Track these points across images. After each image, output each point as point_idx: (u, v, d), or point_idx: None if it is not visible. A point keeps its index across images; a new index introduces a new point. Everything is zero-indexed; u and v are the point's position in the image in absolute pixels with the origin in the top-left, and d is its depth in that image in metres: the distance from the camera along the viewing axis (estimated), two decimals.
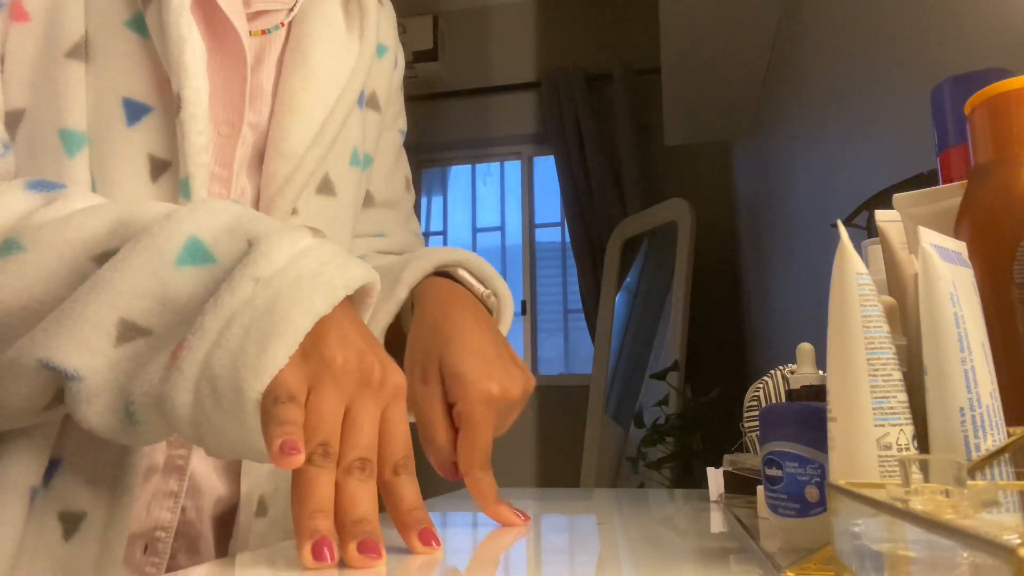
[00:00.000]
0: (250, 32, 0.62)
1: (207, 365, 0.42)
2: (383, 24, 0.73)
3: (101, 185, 0.53)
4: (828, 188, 1.78)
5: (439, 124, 3.88)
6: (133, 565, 0.57)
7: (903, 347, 0.42)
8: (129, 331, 0.44)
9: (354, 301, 0.50)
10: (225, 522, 0.62)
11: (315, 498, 0.41)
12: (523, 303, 3.78)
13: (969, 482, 0.29)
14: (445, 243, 3.95)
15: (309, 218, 0.63)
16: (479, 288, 0.65)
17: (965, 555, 0.24)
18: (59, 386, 0.46)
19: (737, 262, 3.45)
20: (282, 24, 0.64)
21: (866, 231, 0.96)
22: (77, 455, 0.52)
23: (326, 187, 0.65)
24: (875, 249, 0.56)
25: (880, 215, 0.50)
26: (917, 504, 0.28)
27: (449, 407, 0.56)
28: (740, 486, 0.71)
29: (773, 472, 0.46)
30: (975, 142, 0.48)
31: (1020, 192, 0.44)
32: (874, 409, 0.36)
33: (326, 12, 0.66)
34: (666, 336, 3.07)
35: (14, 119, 0.53)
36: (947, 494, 0.28)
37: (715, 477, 0.78)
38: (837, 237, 0.38)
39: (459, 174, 4.04)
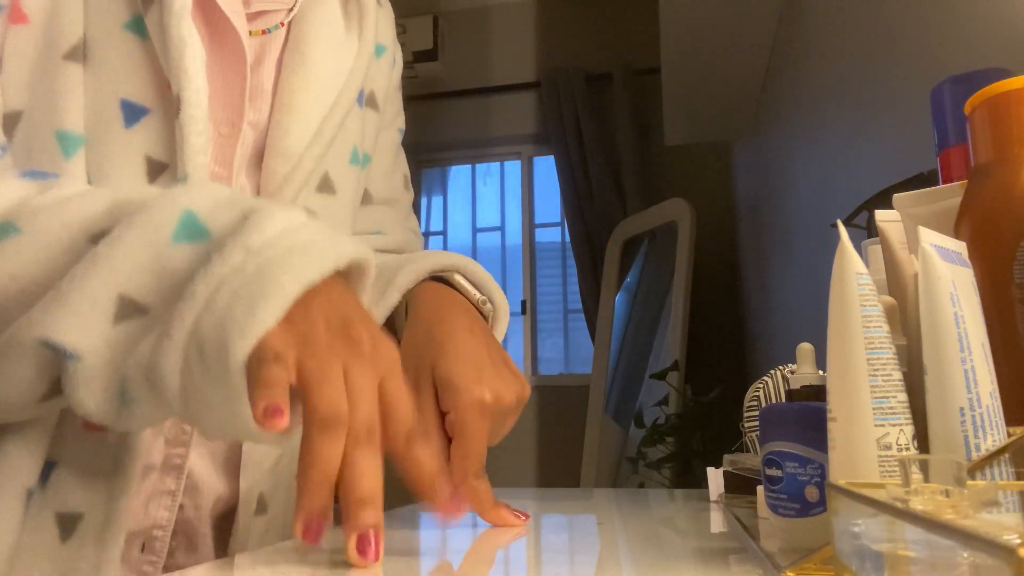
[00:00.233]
0: (250, 32, 0.62)
1: (196, 329, 0.42)
2: (382, 24, 0.74)
3: (98, 187, 0.53)
4: (828, 188, 1.78)
5: (439, 124, 3.88)
6: (130, 564, 0.57)
7: (903, 347, 0.42)
8: (127, 308, 0.44)
9: (350, 282, 0.50)
10: (224, 521, 0.62)
11: (317, 468, 0.40)
12: (523, 303, 3.78)
13: (969, 482, 0.29)
14: (445, 243, 3.95)
15: None
16: (474, 294, 0.65)
17: (965, 555, 0.24)
18: (56, 374, 0.45)
19: (737, 262, 3.45)
20: (282, 24, 0.64)
21: (866, 231, 0.96)
22: (73, 456, 0.52)
23: (326, 185, 0.65)
24: (875, 249, 0.56)
25: (880, 215, 0.50)
26: (917, 504, 0.28)
27: (442, 415, 0.56)
28: (740, 486, 0.71)
29: (773, 472, 0.46)
30: (975, 142, 0.48)
31: (1020, 192, 0.44)
32: (874, 409, 0.36)
33: (325, 12, 0.66)
34: (666, 336, 3.07)
35: (11, 121, 0.53)
36: (947, 494, 0.28)
37: (715, 477, 0.78)
38: (837, 237, 0.38)
39: (459, 174, 4.04)
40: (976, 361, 0.36)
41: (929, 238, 0.38)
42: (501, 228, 3.94)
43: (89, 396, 0.44)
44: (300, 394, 0.42)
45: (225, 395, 0.42)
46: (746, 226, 3.25)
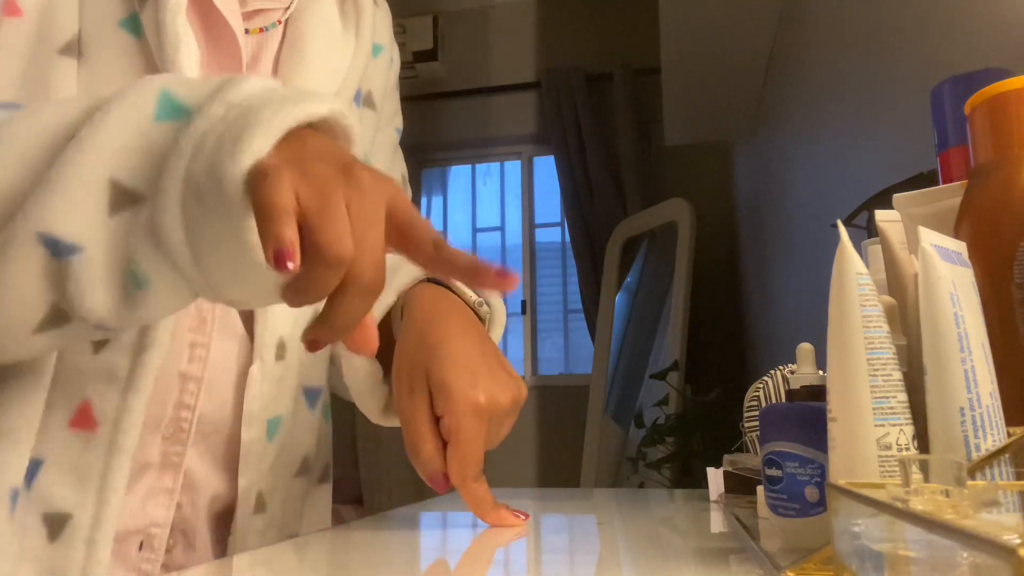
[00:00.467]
0: (247, 30, 0.62)
1: (188, 176, 0.41)
2: (379, 23, 0.74)
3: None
4: (828, 188, 1.78)
5: (439, 124, 3.88)
6: (128, 562, 0.57)
7: (903, 347, 0.42)
8: (121, 196, 0.43)
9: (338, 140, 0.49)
10: (223, 519, 0.62)
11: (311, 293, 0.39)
12: (523, 303, 3.78)
13: (969, 482, 0.29)
14: None
15: None
16: (470, 296, 0.65)
17: (965, 555, 0.24)
18: (55, 296, 0.44)
19: (737, 262, 3.45)
20: (278, 22, 0.64)
21: (866, 231, 0.96)
22: (60, 456, 0.52)
23: None
24: (875, 249, 0.56)
25: (880, 215, 0.50)
26: (917, 504, 0.28)
27: (437, 419, 0.56)
28: (740, 486, 0.71)
29: (773, 472, 0.46)
30: (975, 142, 0.48)
31: (1020, 192, 0.44)
32: (874, 409, 0.36)
33: (322, 11, 0.66)
34: (666, 336, 3.07)
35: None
36: (947, 494, 0.28)
37: (715, 477, 0.78)
38: (837, 237, 0.38)
39: (459, 174, 4.04)
40: (976, 361, 0.36)
41: (929, 238, 0.38)
42: (501, 228, 3.94)
43: (99, 291, 0.43)
44: (302, 225, 0.39)
45: (230, 228, 0.40)
46: (746, 226, 3.25)
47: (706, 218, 3.34)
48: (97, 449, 0.52)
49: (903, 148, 1.22)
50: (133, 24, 0.55)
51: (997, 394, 0.37)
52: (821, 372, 0.48)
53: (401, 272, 0.64)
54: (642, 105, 3.61)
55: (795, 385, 0.49)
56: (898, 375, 0.36)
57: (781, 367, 0.80)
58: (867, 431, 0.35)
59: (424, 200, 3.99)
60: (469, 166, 4.02)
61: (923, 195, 0.51)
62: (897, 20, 1.27)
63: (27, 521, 0.51)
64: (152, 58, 0.54)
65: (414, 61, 3.69)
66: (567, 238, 3.74)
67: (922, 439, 0.37)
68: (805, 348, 0.52)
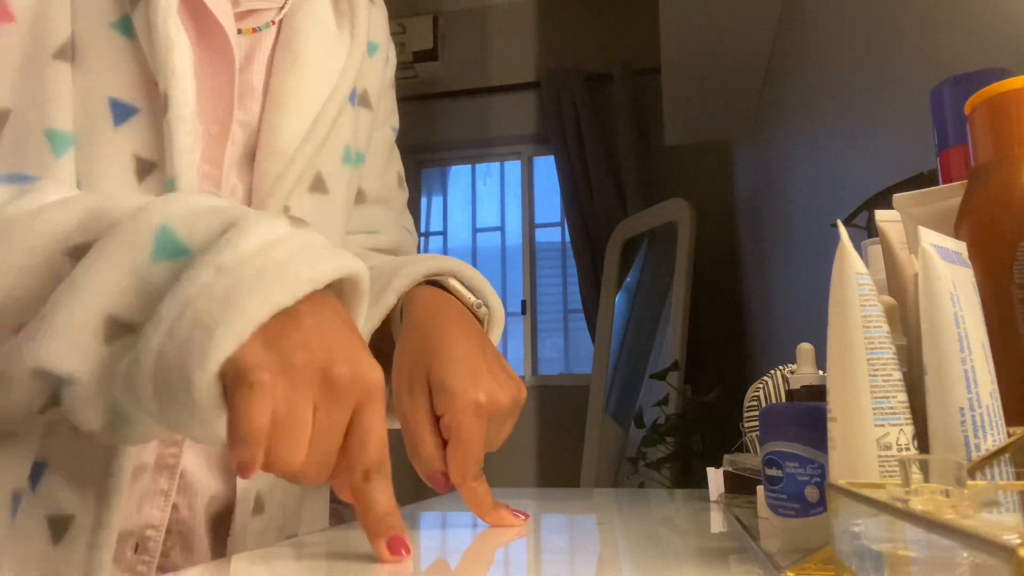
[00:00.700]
0: (240, 30, 0.62)
1: (160, 356, 0.41)
2: (374, 21, 0.74)
3: (87, 186, 0.53)
4: (828, 188, 1.78)
5: (439, 124, 3.88)
6: (124, 564, 0.57)
7: (903, 347, 0.42)
8: (117, 327, 0.43)
9: (345, 294, 0.49)
10: (221, 520, 0.62)
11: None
12: (523, 303, 3.78)
13: (969, 482, 0.29)
14: (445, 243, 3.95)
15: (301, 216, 0.63)
16: (469, 298, 0.65)
17: (965, 555, 0.24)
18: (54, 390, 0.45)
19: (737, 262, 3.45)
20: (272, 22, 0.64)
21: (866, 231, 0.96)
22: (63, 458, 0.52)
23: (318, 185, 0.65)
24: (875, 249, 0.56)
25: (880, 215, 0.50)
26: (917, 504, 0.28)
27: (437, 419, 0.56)
28: (740, 486, 0.71)
29: (773, 472, 0.46)
30: (975, 142, 0.48)
31: (1020, 192, 0.44)
32: (874, 409, 0.36)
33: (316, 10, 0.66)
34: (666, 336, 3.07)
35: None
36: (947, 494, 0.28)
37: (715, 477, 0.78)
38: (837, 237, 0.38)
39: (459, 174, 4.04)
40: (976, 361, 0.36)
41: (929, 238, 0.38)
42: (501, 228, 3.94)
43: (90, 415, 0.44)
44: None
45: (200, 428, 0.42)
46: (746, 226, 3.25)
47: (706, 218, 3.34)
48: (97, 451, 0.52)
49: (903, 148, 1.22)
50: (125, 26, 0.55)
51: (997, 394, 0.37)
52: (821, 372, 0.48)
53: (401, 273, 0.64)
54: (642, 105, 3.61)
55: (795, 385, 0.49)
56: (898, 375, 0.36)
57: (781, 367, 0.80)
58: (867, 431, 0.35)
59: (424, 200, 3.99)
60: (469, 166, 4.02)
61: (923, 195, 0.51)
62: (897, 20, 1.27)
63: (31, 523, 0.51)
64: (145, 60, 0.54)
65: (414, 61, 3.69)
66: (567, 238, 3.74)
67: (922, 439, 0.37)
68: (805, 348, 0.52)
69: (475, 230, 3.96)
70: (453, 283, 0.65)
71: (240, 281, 0.41)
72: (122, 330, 0.44)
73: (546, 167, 3.89)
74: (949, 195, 0.49)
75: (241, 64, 0.62)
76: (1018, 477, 0.35)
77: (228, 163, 0.60)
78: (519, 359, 3.74)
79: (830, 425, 0.37)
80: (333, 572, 0.43)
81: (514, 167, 3.96)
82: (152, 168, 0.54)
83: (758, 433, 0.55)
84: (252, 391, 0.40)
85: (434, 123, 3.87)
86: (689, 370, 2.99)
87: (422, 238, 3.96)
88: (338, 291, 0.49)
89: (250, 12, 0.63)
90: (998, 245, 0.43)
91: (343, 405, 0.43)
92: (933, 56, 1.10)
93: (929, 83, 0.65)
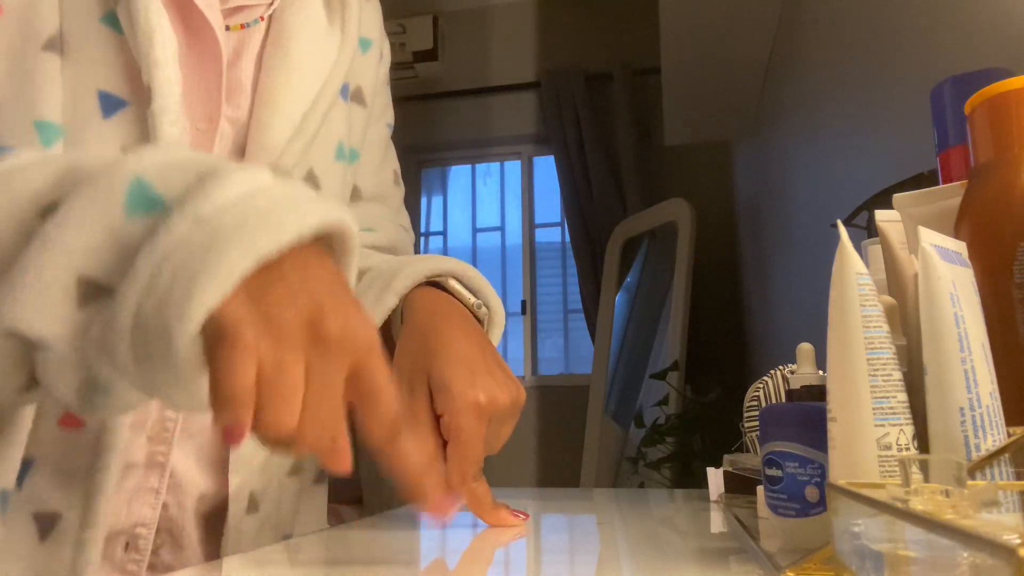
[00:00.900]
0: (229, 27, 0.62)
1: (138, 313, 0.38)
2: (367, 17, 0.73)
3: (54, 153, 0.52)
4: (828, 188, 1.78)
5: (439, 124, 3.88)
6: (114, 562, 0.57)
7: (903, 347, 0.42)
8: (91, 290, 0.40)
9: (334, 251, 0.46)
10: (213, 519, 0.62)
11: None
12: (523, 303, 3.78)
13: (969, 482, 0.29)
14: (445, 243, 3.95)
15: None
16: (469, 298, 0.65)
17: (965, 555, 0.24)
18: (31, 366, 0.43)
19: (737, 262, 3.45)
20: (261, 18, 0.64)
21: (866, 231, 0.96)
22: (49, 455, 0.52)
23: (310, 181, 0.65)
24: (875, 249, 0.56)
25: (880, 215, 0.50)
26: (917, 504, 0.28)
27: (437, 419, 0.56)
28: (740, 486, 0.71)
29: (773, 472, 0.46)
30: (975, 142, 0.48)
31: (1020, 192, 0.44)
32: (874, 409, 0.36)
33: (307, 6, 0.66)
34: (666, 336, 3.07)
35: None
36: (947, 494, 0.28)
37: (715, 477, 0.78)
38: (837, 237, 0.38)
39: (459, 174, 4.04)
40: (976, 361, 0.36)
41: (929, 238, 0.38)
42: (501, 228, 3.94)
43: (65, 385, 0.41)
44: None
45: (179, 382, 0.39)
46: (746, 226, 3.25)
47: (706, 218, 3.33)
48: (84, 448, 0.52)
49: (903, 148, 1.22)
50: (112, 20, 0.54)
51: (997, 394, 0.37)
52: (821, 372, 0.48)
53: (401, 274, 0.64)
54: (642, 105, 3.61)
55: (795, 385, 0.49)
56: (898, 375, 0.36)
57: (781, 367, 0.80)
58: (867, 431, 0.35)
59: (424, 200, 3.99)
60: (469, 166, 4.02)
61: (923, 195, 0.51)
62: (897, 20, 1.27)
63: (18, 521, 0.51)
64: (133, 53, 0.54)
65: (414, 61, 3.69)
66: (567, 238, 3.74)
67: (922, 439, 0.37)
68: (805, 348, 0.52)
69: (475, 230, 3.96)
70: (453, 284, 0.65)
71: (220, 231, 0.38)
72: (97, 292, 0.40)
73: (546, 167, 3.89)
74: (949, 195, 0.49)
75: (230, 60, 0.61)
76: (1018, 477, 0.35)
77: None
78: (519, 359, 3.74)
79: (830, 425, 0.37)
80: (332, 572, 0.43)
81: (514, 167, 3.96)
82: None
83: (758, 433, 0.55)
84: (234, 348, 0.37)
85: (434, 123, 3.87)
86: (689, 370, 2.99)
87: (422, 238, 3.96)
88: (326, 248, 0.45)
89: (239, 8, 0.63)
90: (998, 245, 0.43)
91: (336, 362, 0.39)
92: (933, 56, 1.10)
93: (929, 83, 0.65)
